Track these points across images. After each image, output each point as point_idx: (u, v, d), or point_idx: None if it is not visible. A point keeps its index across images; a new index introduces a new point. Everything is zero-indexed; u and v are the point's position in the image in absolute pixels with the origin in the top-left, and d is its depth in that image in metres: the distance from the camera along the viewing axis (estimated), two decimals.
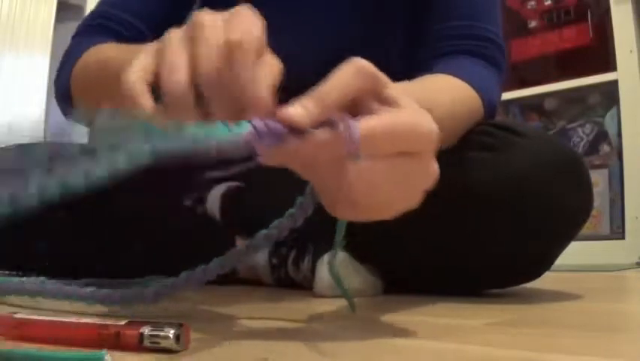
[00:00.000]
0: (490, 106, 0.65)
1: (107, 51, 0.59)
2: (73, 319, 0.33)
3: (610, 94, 1.97)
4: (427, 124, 0.36)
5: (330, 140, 0.33)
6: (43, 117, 2.46)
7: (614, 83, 1.94)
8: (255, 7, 0.37)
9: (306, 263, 0.72)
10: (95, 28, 0.72)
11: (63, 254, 0.73)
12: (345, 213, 0.37)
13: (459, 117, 0.60)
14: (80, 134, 2.58)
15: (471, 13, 0.71)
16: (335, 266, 0.46)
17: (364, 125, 0.33)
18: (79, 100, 0.64)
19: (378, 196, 0.36)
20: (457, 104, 0.60)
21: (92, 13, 0.74)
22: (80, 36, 0.72)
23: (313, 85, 0.35)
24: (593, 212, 1.88)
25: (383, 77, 0.36)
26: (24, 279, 0.48)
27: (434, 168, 0.37)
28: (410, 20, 0.73)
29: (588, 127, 2.05)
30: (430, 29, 0.71)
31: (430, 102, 0.49)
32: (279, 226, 0.41)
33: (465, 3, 0.71)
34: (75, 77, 0.63)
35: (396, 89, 0.37)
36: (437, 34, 0.70)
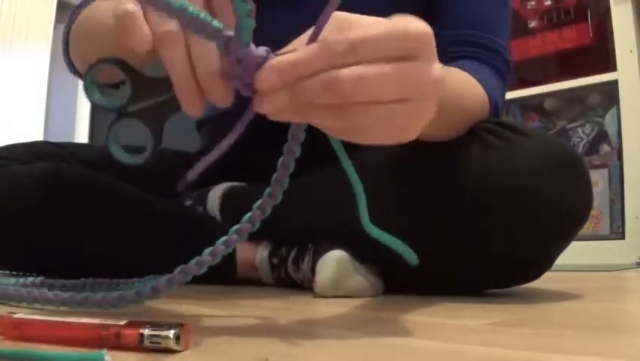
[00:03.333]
0: (496, 105, 0.65)
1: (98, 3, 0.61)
2: (73, 319, 0.33)
3: (610, 94, 1.97)
4: (418, 24, 0.36)
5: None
6: (43, 117, 2.46)
7: (614, 83, 1.94)
8: None
9: (306, 263, 0.72)
10: None
11: (65, 254, 0.73)
12: (341, 130, 0.36)
13: (468, 106, 0.60)
14: (80, 134, 2.58)
15: (483, 25, 0.72)
16: (373, 228, 0.44)
17: (351, 34, 0.34)
18: (73, 50, 0.65)
19: (377, 110, 0.35)
20: (468, 93, 0.60)
21: None
22: None
23: None
24: (593, 212, 1.88)
25: (356, 16, 0.36)
26: (12, 280, 0.48)
27: (436, 71, 0.36)
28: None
29: (588, 127, 2.04)
30: (441, 35, 0.71)
31: (449, 84, 0.49)
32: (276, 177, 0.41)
33: (478, 14, 0.72)
34: (73, 29, 0.65)
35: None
36: (448, 40, 0.71)
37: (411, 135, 0.38)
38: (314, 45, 0.34)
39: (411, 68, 0.35)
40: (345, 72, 0.34)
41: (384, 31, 0.34)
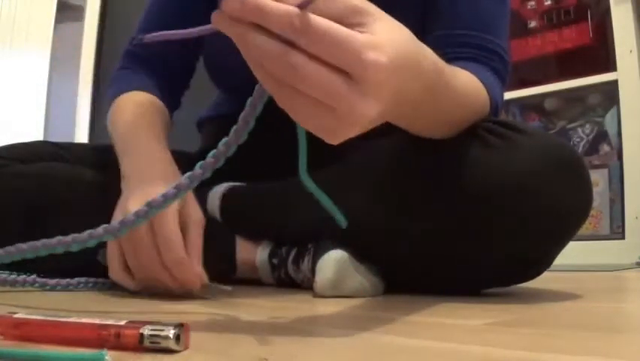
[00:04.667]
0: (496, 104, 0.65)
1: (119, 125, 0.75)
2: (73, 319, 0.33)
3: (610, 94, 1.97)
4: (380, 58, 0.36)
5: None
6: (43, 117, 2.46)
7: (614, 83, 1.94)
8: None
9: (306, 263, 0.72)
10: (130, 58, 0.86)
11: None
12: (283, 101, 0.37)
13: (465, 104, 0.60)
14: (80, 134, 2.58)
15: (481, 25, 0.71)
16: (308, 180, 0.44)
17: (319, 22, 0.34)
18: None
19: (302, 99, 0.36)
20: (470, 90, 0.60)
21: (131, 38, 0.87)
22: (120, 68, 0.86)
23: None
24: (593, 212, 1.88)
25: (374, 13, 0.37)
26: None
27: (366, 107, 0.37)
28: (420, 27, 0.73)
29: (588, 127, 2.04)
30: (438, 36, 0.71)
31: (441, 81, 0.50)
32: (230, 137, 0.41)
33: (476, 14, 0.72)
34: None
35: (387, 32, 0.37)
36: (445, 40, 0.70)
37: (333, 140, 0.38)
38: (285, 7, 0.34)
39: (345, 87, 0.35)
40: (287, 55, 0.35)
41: (345, 41, 0.35)
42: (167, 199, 0.43)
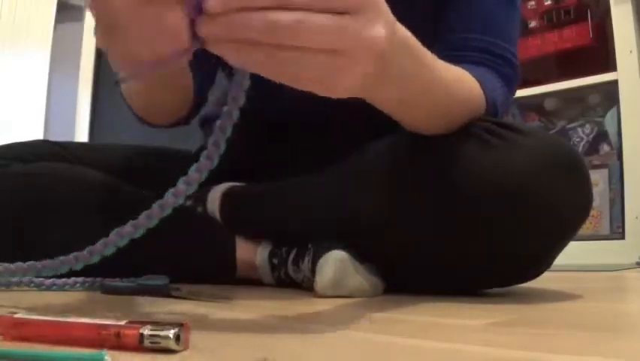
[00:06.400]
0: (493, 104, 0.65)
1: None
2: (73, 319, 0.33)
3: (610, 94, 1.97)
4: None
5: None
6: (43, 117, 2.46)
7: (614, 83, 1.94)
8: None
9: (306, 263, 0.72)
10: None
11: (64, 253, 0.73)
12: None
13: (457, 98, 0.60)
14: (80, 134, 2.58)
15: (489, 29, 0.71)
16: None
17: None
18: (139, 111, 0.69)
19: (308, 59, 0.36)
20: (459, 84, 0.60)
21: None
22: None
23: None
24: (593, 212, 1.88)
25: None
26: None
27: (375, 30, 0.37)
28: (432, 29, 0.73)
29: (588, 127, 2.04)
30: (446, 39, 0.71)
31: (431, 67, 0.50)
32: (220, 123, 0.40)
33: (484, 18, 0.72)
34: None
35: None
36: (454, 44, 0.70)
37: (337, 92, 0.38)
38: None
39: (350, 22, 0.36)
40: (286, 16, 0.34)
41: None
42: (164, 207, 0.42)
